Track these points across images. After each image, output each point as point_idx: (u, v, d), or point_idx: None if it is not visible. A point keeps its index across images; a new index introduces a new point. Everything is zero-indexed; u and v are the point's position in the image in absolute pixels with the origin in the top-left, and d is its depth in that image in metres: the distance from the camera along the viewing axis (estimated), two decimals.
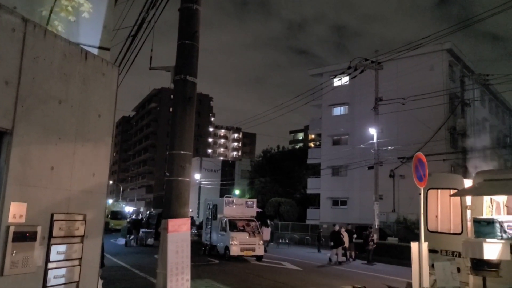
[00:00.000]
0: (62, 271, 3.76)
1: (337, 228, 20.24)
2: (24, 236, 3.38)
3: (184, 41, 6.17)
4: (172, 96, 6.39)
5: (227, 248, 18.43)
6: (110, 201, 58.75)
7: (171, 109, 6.31)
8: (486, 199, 8.15)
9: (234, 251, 18.09)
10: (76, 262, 3.92)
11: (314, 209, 39.67)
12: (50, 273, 3.64)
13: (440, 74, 31.47)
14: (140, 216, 42.39)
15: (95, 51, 5.06)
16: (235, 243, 18.22)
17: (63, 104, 3.83)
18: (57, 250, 3.70)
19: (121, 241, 26.72)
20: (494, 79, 27.76)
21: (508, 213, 8.52)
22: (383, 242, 23.06)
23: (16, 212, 3.33)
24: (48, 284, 3.63)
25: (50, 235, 3.64)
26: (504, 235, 7.15)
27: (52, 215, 3.66)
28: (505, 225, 7.27)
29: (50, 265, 3.64)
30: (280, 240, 30.99)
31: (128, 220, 35.98)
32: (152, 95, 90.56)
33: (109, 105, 4.42)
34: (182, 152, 5.95)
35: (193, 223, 30.06)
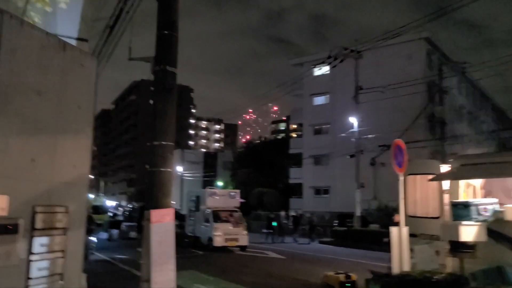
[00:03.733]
0: (46, 263, 3.76)
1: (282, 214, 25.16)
2: (6, 229, 3.37)
3: (163, 31, 6.13)
4: (152, 88, 6.36)
5: (210, 239, 18.50)
6: (92, 196, 58.08)
7: (151, 101, 6.28)
8: (462, 183, 8.38)
9: (218, 241, 18.17)
10: (60, 254, 3.91)
11: (297, 199, 40.02)
12: (33, 265, 3.63)
13: (419, 63, 31.92)
14: (118, 213, 41.61)
15: (73, 42, 5.01)
16: (219, 233, 18.30)
17: (42, 96, 3.80)
18: (40, 242, 3.69)
19: (103, 235, 26.53)
20: (470, 67, 28.33)
21: (484, 196, 8.78)
22: (364, 229, 23.47)
23: None
24: (31, 276, 3.62)
25: (33, 227, 3.63)
26: (480, 218, 7.38)
27: (33, 207, 3.64)
28: (481, 207, 7.51)
29: (33, 257, 3.63)
30: (264, 230, 31.19)
31: (110, 215, 35.68)
32: (131, 87, 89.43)
33: (89, 96, 4.39)
34: (163, 142, 5.94)
35: (179, 216, 29.52)
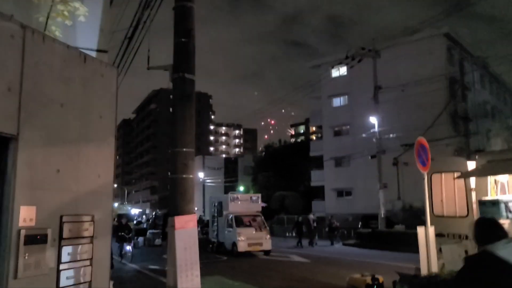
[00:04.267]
0: (74, 272, 3.81)
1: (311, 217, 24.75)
2: (35, 238, 3.44)
3: (180, 39, 6.20)
4: (171, 96, 6.42)
5: (234, 244, 18.51)
6: (116, 204, 58.92)
7: (171, 109, 6.34)
8: (490, 180, 8.18)
9: (242, 247, 18.17)
10: (87, 262, 3.97)
11: (319, 201, 39.72)
12: (63, 274, 3.69)
13: (439, 59, 31.38)
14: (142, 221, 41.96)
15: (93, 53, 5.09)
16: (242, 238, 18.29)
17: (64, 107, 3.87)
18: (68, 251, 3.75)
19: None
20: (493, 61, 27.70)
21: None
22: (390, 231, 23.12)
23: (26, 215, 3.38)
24: (61, 285, 3.68)
25: (61, 237, 3.69)
26: (510, 215, 7.19)
27: (61, 217, 3.71)
28: (510, 204, 7.31)
29: (62, 266, 3.69)
30: (287, 234, 31.08)
31: (135, 223, 36.06)
32: (151, 96, 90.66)
33: (110, 106, 4.46)
34: (184, 149, 5.99)
35: (202, 222, 29.45)
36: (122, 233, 17.57)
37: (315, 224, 25.60)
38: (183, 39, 6.19)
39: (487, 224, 2.69)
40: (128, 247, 17.75)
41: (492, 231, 2.60)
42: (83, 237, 3.95)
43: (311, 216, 26.11)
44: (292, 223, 29.03)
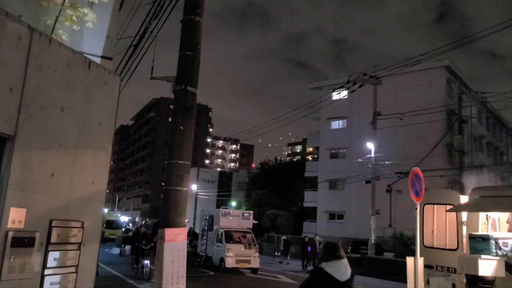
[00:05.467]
0: (59, 278, 3.78)
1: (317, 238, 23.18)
2: (22, 241, 3.41)
3: (186, 52, 6.24)
4: (171, 106, 6.47)
5: (222, 260, 18.33)
6: (106, 210, 58.42)
7: (169, 119, 6.33)
8: (482, 215, 8.18)
9: (230, 263, 17.99)
10: (73, 269, 3.93)
11: (310, 222, 39.55)
12: (47, 279, 3.66)
13: (438, 91, 31.71)
14: (132, 228, 41.21)
15: (97, 60, 5.13)
16: (231, 254, 18.13)
17: (65, 112, 3.88)
18: (54, 257, 3.72)
19: (116, 250, 26.55)
20: (491, 97, 28.02)
21: (510, 230, 8.56)
22: (379, 257, 22.99)
23: (16, 217, 3.36)
24: None
25: (48, 241, 3.66)
26: (499, 252, 7.17)
27: (50, 222, 3.68)
28: (500, 241, 7.30)
29: (47, 271, 3.65)
30: (276, 253, 30.84)
31: (123, 230, 35.72)
32: (151, 105, 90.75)
33: (110, 113, 4.48)
34: (180, 161, 5.98)
35: (193, 235, 28.87)
36: (140, 244, 15.17)
37: (320, 246, 24.48)
38: (188, 52, 6.24)
39: (328, 247, 3.48)
40: (146, 261, 14.52)
41: (330, 252, 3.41)
42: (71, 243, 3.91)
43: (318, 238, 24.32)
44: (281, 242, 28.67)
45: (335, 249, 3.41)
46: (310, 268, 22.01)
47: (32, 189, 3.53)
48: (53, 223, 3.70)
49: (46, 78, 3.69)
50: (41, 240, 3.60)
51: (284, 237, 26.09)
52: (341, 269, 3.34)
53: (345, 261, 3.40)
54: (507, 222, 8.62)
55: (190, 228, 31.34)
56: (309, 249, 22.88)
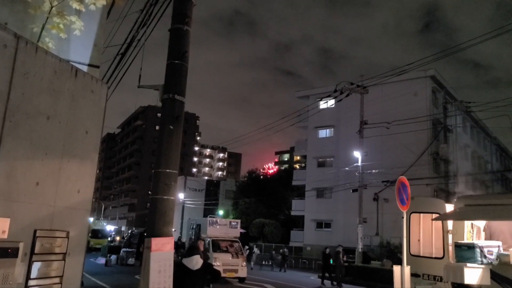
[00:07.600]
0: None
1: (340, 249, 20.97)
2: (5, 252, 3.34)
3: (174, 61, 6.24)
4: (158, 114, 6.45)
5: None
6: (91, 219, 57.62)
7: (157, 127, 6.32)
8: (467, 224, 8.27)
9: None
10: (57, 280, 3.86)
11: (298, 231, 39.55)
12: None
13: (424, 100, 32.13)
14: (117, 238, 40.38)
15: (84, 68, 5.09)
16: (218, 264, 17.99)
17: (51, 120, 3.84)
18: (38, 267, 3.65)
19: (101, 260, 26.16)
20: (475, 106, 28.49)
21: (486, 238, 8.66)
22: (366, 266, 23.04)
23: None
24: None
25: (32, 252, 3.60)
26: (484, 260, 7.25)
27: (35, 231, 3.62)
28: (485, 250, 7.38)
29: (30, 282, 3.58)
30: (264, 262, 30.73)
31: (109, 240, 35.26)
32: (138, 113, 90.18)
33: (97, 122, 4.44)
34: (167, 170, 5.95)
35: (181, 245, 27.67)
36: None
37: (344, 258, 21.59)
38: (176, 61, 6.24)
39: (193, 247, 5.43)
40: None
41: (189, 250, 5.00)
42: (56, 253, 3.85)
43: (339, 249, 21.39)
44: (270, 251, 28.35)
45: (193, 249, 5.32)
46: (327, 284, 19.98)
47: (16, 198, 3.47)
48: (38, 233, 3.64)
49: (32, 86, 3.66)
50: (25, 251, 3.53)
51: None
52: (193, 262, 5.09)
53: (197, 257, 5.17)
54: (483, 231, 8.72)
55: (179, 237, 31.02)
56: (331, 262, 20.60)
